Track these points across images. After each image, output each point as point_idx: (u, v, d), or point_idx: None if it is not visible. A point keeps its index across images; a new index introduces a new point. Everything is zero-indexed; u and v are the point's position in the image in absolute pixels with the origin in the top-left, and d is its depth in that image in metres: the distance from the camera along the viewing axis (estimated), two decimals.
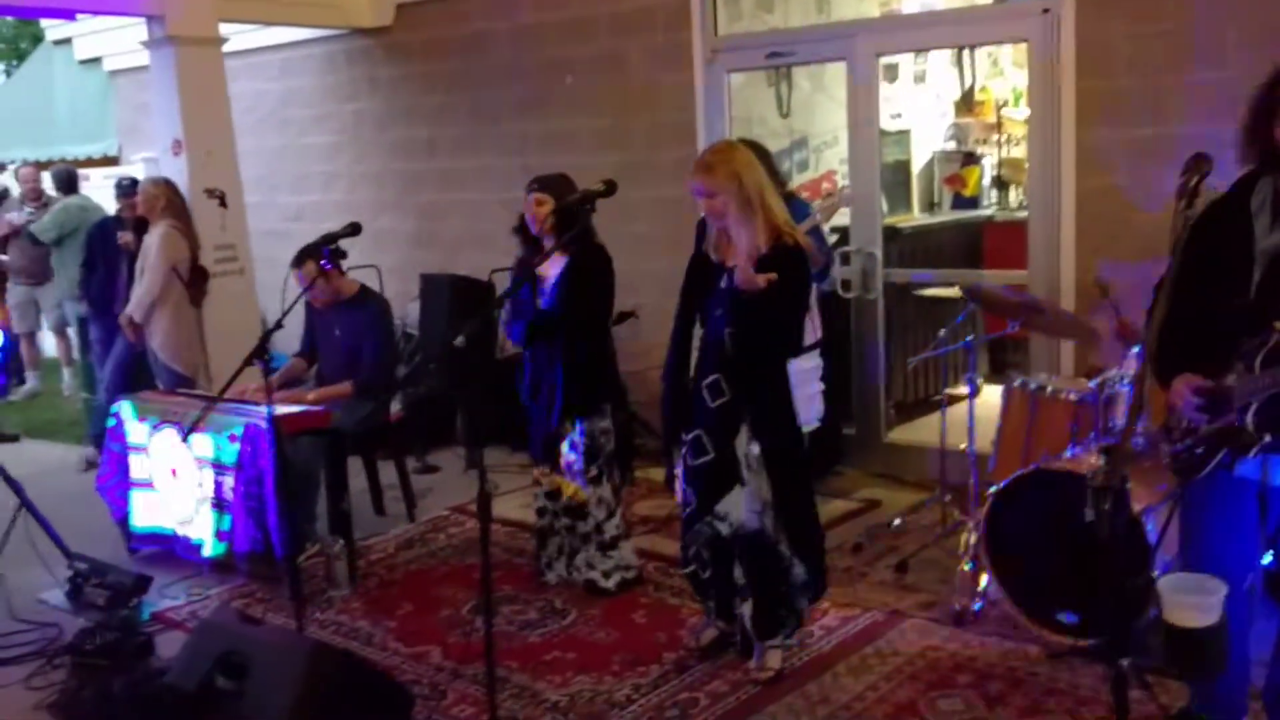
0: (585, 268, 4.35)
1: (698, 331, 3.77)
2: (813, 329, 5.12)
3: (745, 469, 3.64)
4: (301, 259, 5.17)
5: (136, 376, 6.61)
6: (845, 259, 5.98)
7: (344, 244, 4.52)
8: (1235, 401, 2.67)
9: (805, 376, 5.14)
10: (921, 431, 6.14)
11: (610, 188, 3.75)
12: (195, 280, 6.72)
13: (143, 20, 7.07)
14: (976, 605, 4.16)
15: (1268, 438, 2.64)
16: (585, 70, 6.98)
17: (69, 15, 7.67)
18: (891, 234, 6.37)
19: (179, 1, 6.88)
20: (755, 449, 3.63)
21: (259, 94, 8.86)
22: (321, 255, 4.42)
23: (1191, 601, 2.30)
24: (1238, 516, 2.80)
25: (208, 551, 4.90)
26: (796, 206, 4.95)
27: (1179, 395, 2.73)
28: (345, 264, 7.40)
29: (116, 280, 6.82)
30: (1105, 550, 2.54)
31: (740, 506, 3.66)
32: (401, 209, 8.16)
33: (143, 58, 7.65)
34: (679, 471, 3.86)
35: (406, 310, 7.46)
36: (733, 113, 6.59)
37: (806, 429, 5.15)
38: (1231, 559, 2.73)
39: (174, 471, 5.03)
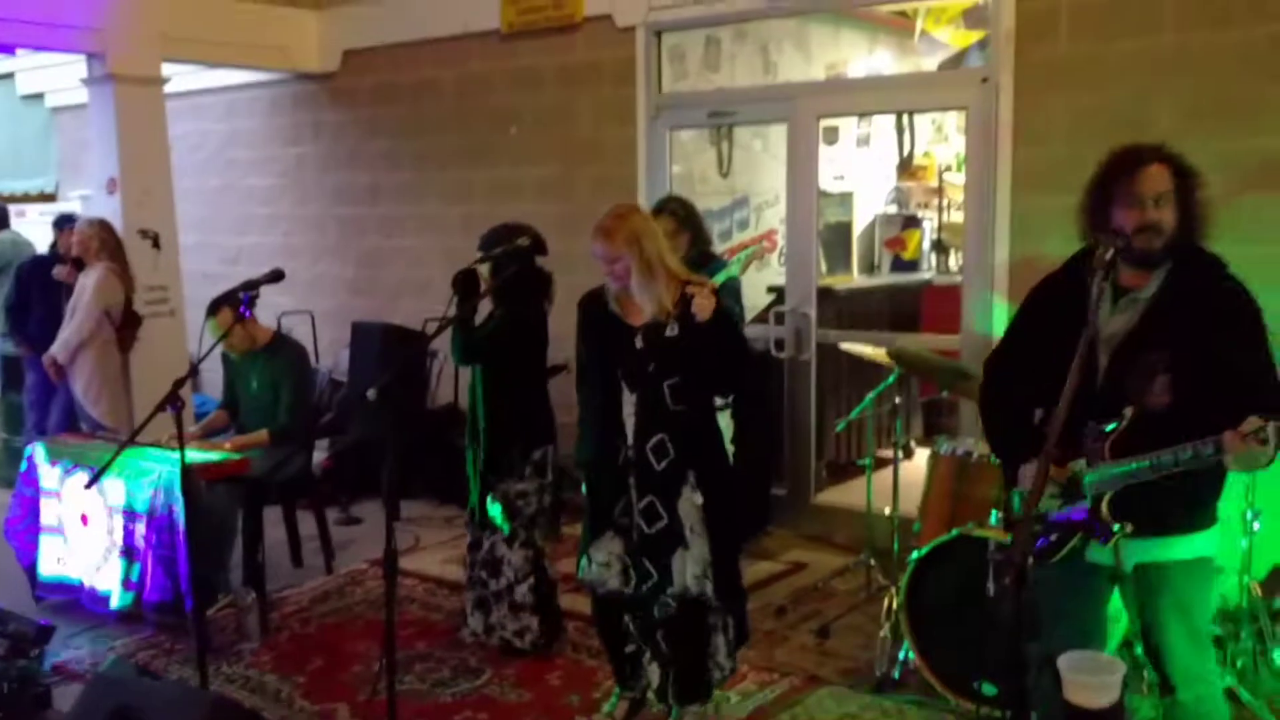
0: (512, 324, 4.28)
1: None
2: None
3: (688, 530, 3.57)
4: (215, 308, 5.06)
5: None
6: (779, 319, 5.98)
7: (278, 289, 4.43)
8: (1088, 492, 2.69)
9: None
10: (852, 493, 6.11)
11: (536, 244, 3.71)
12: (127, 325, 6.59)
13: (84, 57, 7.01)
14: (896, 672, 4.11)
15: (1129, 527, 2.64)
16: (531, 121, 6.99)
17: (9, 50, 7.56)
18: (827, 295, 6.39)
19: (121, 40, 6.83)
20: (699, 503, 3.55)
21: (202, 134, 8.80)
22: (240, 303, 4.32)
23: (1091, 682, 2.28)
24: (1091, 601, 2.83)
25: (115, 603, 4.74)
26: (717, 267, 4.95)
27: (1031, 483, 2.66)
28: (280, 310, 7.38)
29: (58, 318, 6.64)
30: (1006, 624, 2.52)
31: (686, 572, 3.58)
32: (340, 254, 8.09)
33: (85, 94, 7.56)
34: (599, 556, 3.73)
35: (338, 357, 7.36)
36: (675, 169, 6.61)
37: None
38: (1084, 642, 2.72)
39: (85, 518, 4.88)
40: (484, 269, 4.25)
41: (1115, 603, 2.94)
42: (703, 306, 3.42)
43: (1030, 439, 2.81)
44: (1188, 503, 2.72)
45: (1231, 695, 3.73)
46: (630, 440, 3.58)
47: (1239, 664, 3.89)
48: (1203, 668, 2.81)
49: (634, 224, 3.53)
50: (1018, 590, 2.27)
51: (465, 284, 4.21)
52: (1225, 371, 2.59)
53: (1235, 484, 3.95)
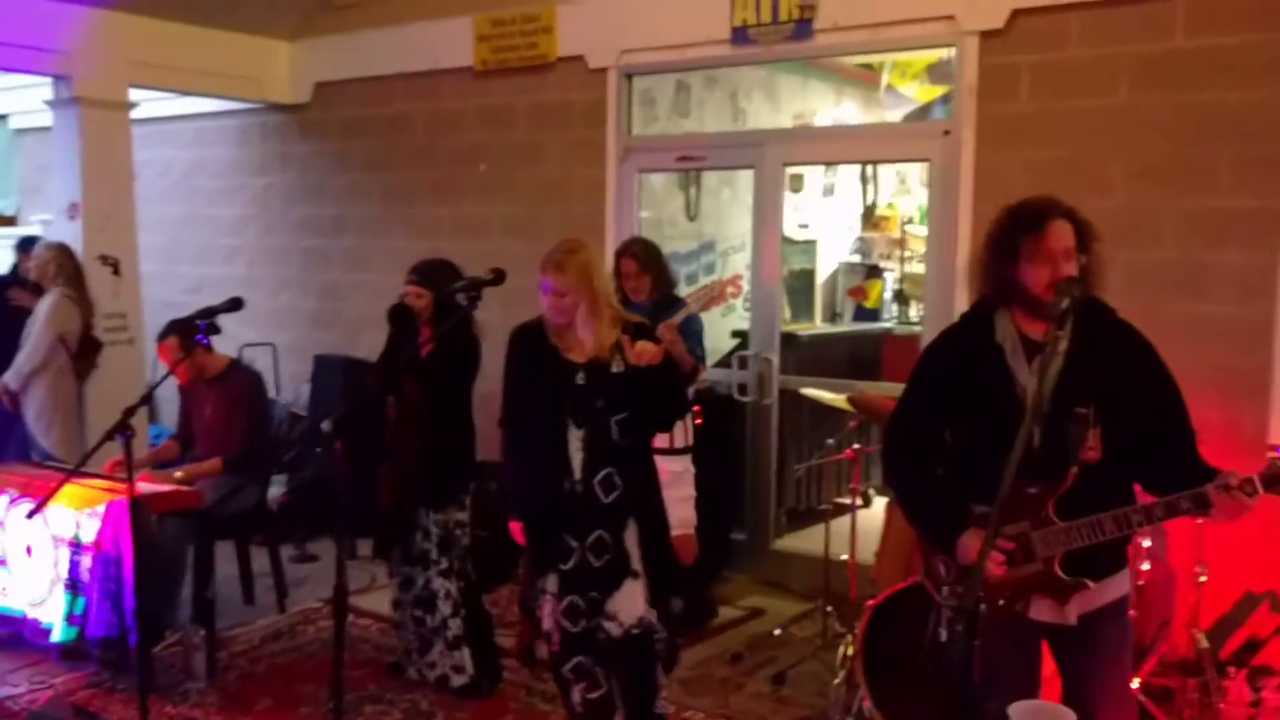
0: (449, 354, 4.27)
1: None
2: (684, 433, 5.12)
3: (635, 561, 3.55)
4: (165, 333, 5.01)
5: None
6: (743, 363, 6.00)
7: (239, 320, 4.39)
8: (1040, 553, 2.68)
9: (679, 479, 5.12)
10: (811, 540, 6.11)
11: (498, 277, 3.70)
12: (84, 352, 6.49)
13: (50, 79, 6.96)
14: None
15: (1090, 583, 2.66)
16: (500, 158, 7.00)
17: None
18: (791, 341, 6.42)
19: (88, 63, 6.80)
20: (642, 535, 3.55)
21: (168, 162, 8.75)
22: (195, 330, 4.28)
23: None
24: (1032, 660, 2.82)
25: (57, 636, 4.63)
26: (678, 309, 4.96)
27: (973, 553, 2.65)
28: (241, 341, 7.31)
29: (17, 344, 6.52)
30: (957, 672, 2.52)
31: (635, 602, 3.56)
32: (304, 287, 8.05)
33: (49, 117, 7.50)
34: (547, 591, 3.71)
35: (300, 391, 7.30)
36: (644, 212, 6.64)
37: (682, 532, 5.09)
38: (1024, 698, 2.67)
39: (29, 549, 4.79)
40: (422, 302, 4.28)
41: None
42: (644, 352, 3.41)
43: (953, 503, 2.79)
44: (1116, 545, 2.74)
45: None
46: (578, 475, 3.56)
47: (1186, 715, 3.91)
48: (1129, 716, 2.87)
49: (585, 259, 3.52)
50: (969, 638, 2.27)
51: (403, 319, 4.25)
52: (1150, 416, 2.67)
53: (1181, 538, 4.02)
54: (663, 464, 5.00)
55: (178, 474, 5.02)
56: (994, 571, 2.69)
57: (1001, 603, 2.74)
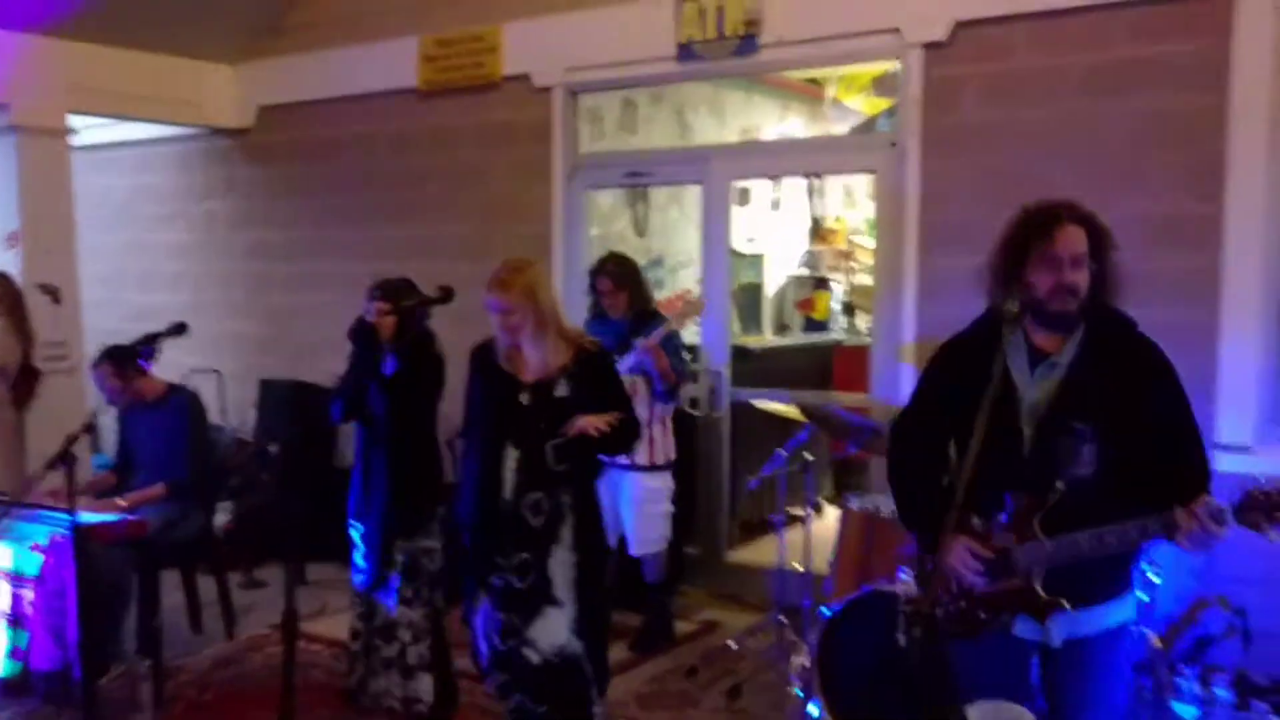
0: (415, 372, 4.22)
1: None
2: (665, 449, 5.12)
3: (559, 589, 3.52)
4: (99, 359, 4.93)
5: None
6: (695, 377, 6.00)
7: (184, 347, 4.30)
8: (1020, 568, 2.60)
9: (655, 495, 5.13)
10: (764, 552, 6.12)
11: (446, 295, 3.68)
12: (23, 381, 6.36)
13: None
14: None
15: (1065, 604, 2.58)
16: (447, 179, 6.97)
17: None
18: (741, 354, 6.44)
19: (26, 90, 6.69)
20: (573, 563, 3.51)
21: (109, 189, 8.63)
22: (130, 355, 4.21)
23: None
24: (1016, 677, 2.70)
25: (0, 671, 4.52)
26: (657, 324, 4.97)
27: (960, 561, 2.64)
28: (186, 368, 7.19)
29: None
30: (915, 675, 2.52)
31: (554, 630, 3.52)
32: (249, 312, 7.96)
33: None
34: (483, 625, 3.69)
35: (246, 416, 7.19)
36: (593, 230, 6.64)
37: (654, 549, 5.09)
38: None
39: None
40: (386, 321, 4.21)
41: None
42: (588, 426, 3.40)
43: (943, 506, 2.73)
44: (1111, 570, 2.66)
45: None
46: (509, 495, 3.54)
47: (1141, 716, 3.94)
48: None
49: (530, 277, 3.54)
50: (926, 642, 2.26)
51: (366, 337, 4.16)
52: (1152, 439, 2.56)
53: None
54: (641, 480, 5.03)
55: (121, 501, 4.92)
56: (972, 582, 2.64)
57: (983, 615, 2.67)
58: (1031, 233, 2.64)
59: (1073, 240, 2.60)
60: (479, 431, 3.65)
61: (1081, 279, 2.60)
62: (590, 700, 3.64)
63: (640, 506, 5.06)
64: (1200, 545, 2.39)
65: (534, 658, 3.52)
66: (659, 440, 5.10)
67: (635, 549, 5.10)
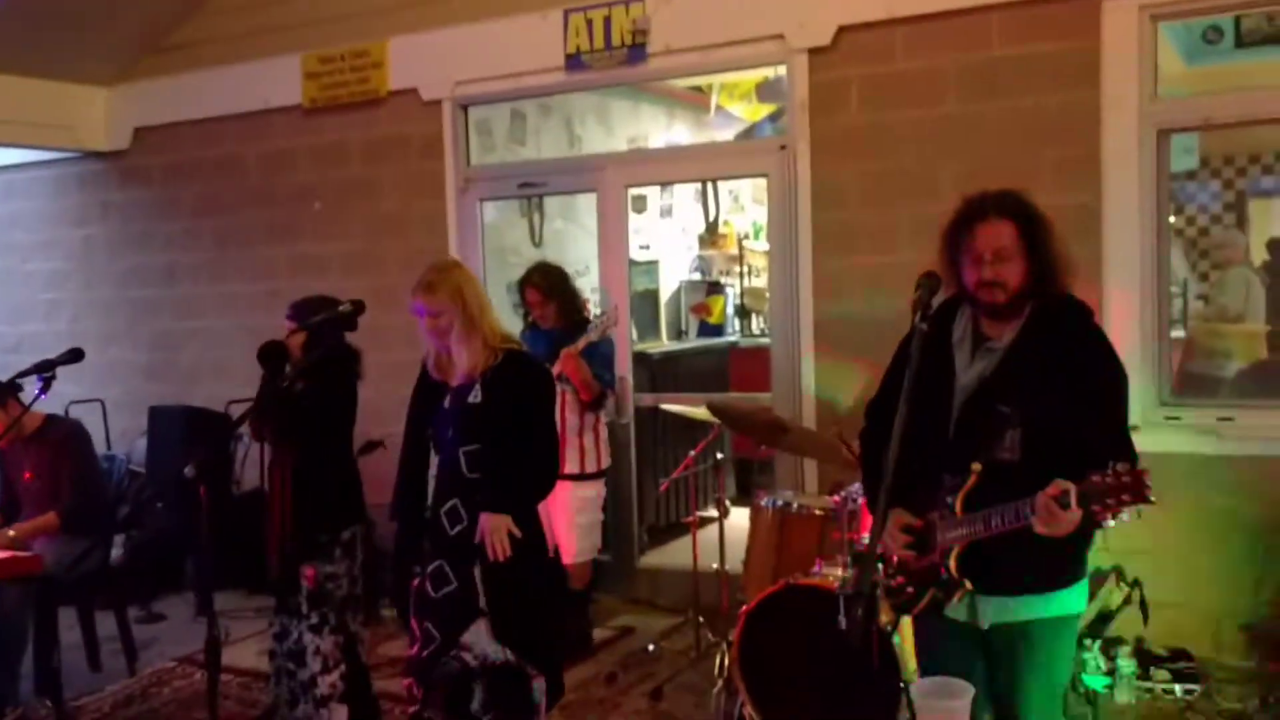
0: (320, 393, 4.13)
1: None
2: (596, 457, 5.11)
3: (483, 597, 3.48)
4: None
5: None
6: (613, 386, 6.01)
7: (63, 377, 4.13)
8: (937, 545, 2.63)
9: (587, 504, 5.12)
10: (674, 555, 6.17)
11: (357, 308, 3.62)
12: None
13: None
14: None
15: (968, 585, 2.59)
16: (336, 195, 6.87)
17: None
18: (641, 359, 6.48)
19: None
20: (494, 571, 3.45)
21: None
22: (9, 389, 4.06)
23: (941, 705, 2.33)
24: (954, 658, 2.68)
25: None
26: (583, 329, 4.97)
27: (888, 534, 2.68)
28: (67, 399, 6.94)
29: None
30: (857, 657, 2.55)
31: (480, 639, 3.49)
32: (132, 339, 7.70)
33: None
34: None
35: (133, 446, 6.96)
36: (486, 241, 6.61)
37: (584, 559, 5.05)
38: None
39: None
40: (296, 340, 4.11)
41: None
42: (495, 547, 3.37)
43: (895, 487, 2.73)
44: (1046, 560, 2.61)
45: None
46: (430, 501, 3.51)
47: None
48: None
49: (456, 278, 3.49)
50: (868, 622, 2.29)
51: (274, 357, 4.05)
52: (1077, 427, 2.55)
53: None
54: (572, 489, 4.99)
55: (10, 532, 4.69)
56: (901, 554, 2.68)
57: (910, 590, 2.69)
58: (958, 227, 2.69)
59: (994, 235, 2.62)
60: (407, 432, 3.61)
61: (1007, 271, 2.61)
62: (522, 705, 3.59)
63: (571, 516, 5.02)
64: (1050, 530, 2.37)
65: (472, 662, 3.46)
66: (589, 449, 5.08)
67: (566, 557, 5.05)
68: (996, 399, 2.61)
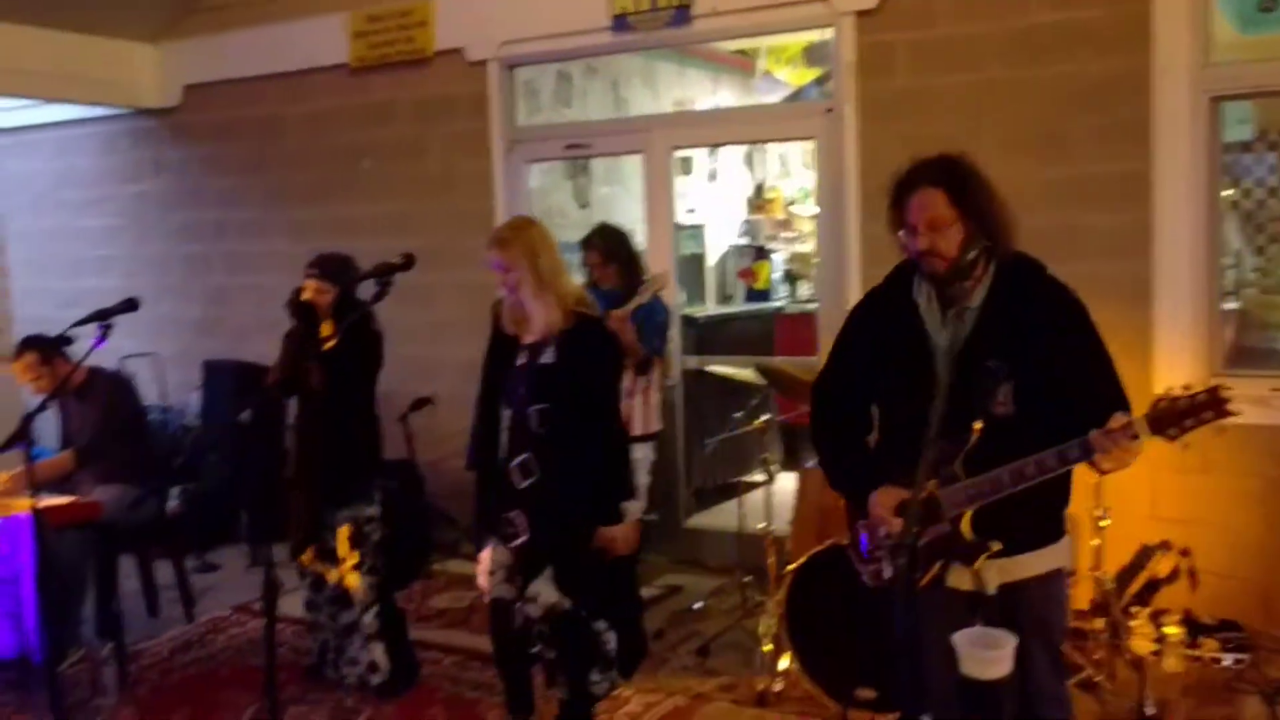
0: (354, 348, 4.21)
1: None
2: (645, 421, 5.14)
3: (550, 549, 3.55)
4: (21, 349, 4.84)
5: None
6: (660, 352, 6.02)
7: (118, 331, 4.18)
8: (946, 512, 2.61)
9: (635, 466, 5.15)
10: (720, 517, 6.20)
11: (409, 261, 3.66)
12: None
13: None
14: (778, 685, 4.17)
15: (996, 545, 2.59)
16: (383, 155, 6.91)
17: None
18: (688, 323, 6.50)
19: None
20: (563, 524, 3.54)
21: (31, 174, 8.39)
22: (57, 342, 4.17)
23: (985, 655, 2.35)
24: (954, 628, 2.59)
25: None
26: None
27: (886, 510, 2.67)
28: (121, 353, 7.05)
29: None
30: (900, 605, 2.57)
31: (546, 589, 3.56)
32: (185, 294, 7.81)
33: None
34: (492, 566, 3.71)
35: (188, 400, 7.08)
36: (532, 202, 6.63)
37: (630, 521, 5.09)
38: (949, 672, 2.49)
39: None
40: (326, 297, 4.21)
41: None
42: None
43: (870, 464, 2.79)
44: (1041, 515, 2.68)
45: (1090, 685, 3.94)
46: (503, 454, 3.58)
47: (1096, 656, 4.09)
48: (1061, 689, 2.82)
49: (530, 236, 3.54)
50: (909, 574, 2.31)
51: (305, 314, 4.18)
52: (1067, 373, 2.59)
53: (1082, 485, 4.19)
54: None
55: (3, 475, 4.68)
56: (894, 528, 2.65)
57: (912, 574, 2.60)
58: (892, 200, 2.69)
59: (924, 205, 2.61)
60: (482, 388, 3.69)
61: (941, 240, 2.60)
62: (600, 658, 3.67)
63: None
64: (1117, 463, 2.42)
65: (534, 613, 3.54)
66: (638, 412, 5.12)
67: None
68: (982, 356, 2.60)
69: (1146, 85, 4.79)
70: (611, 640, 3.68)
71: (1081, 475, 3.95)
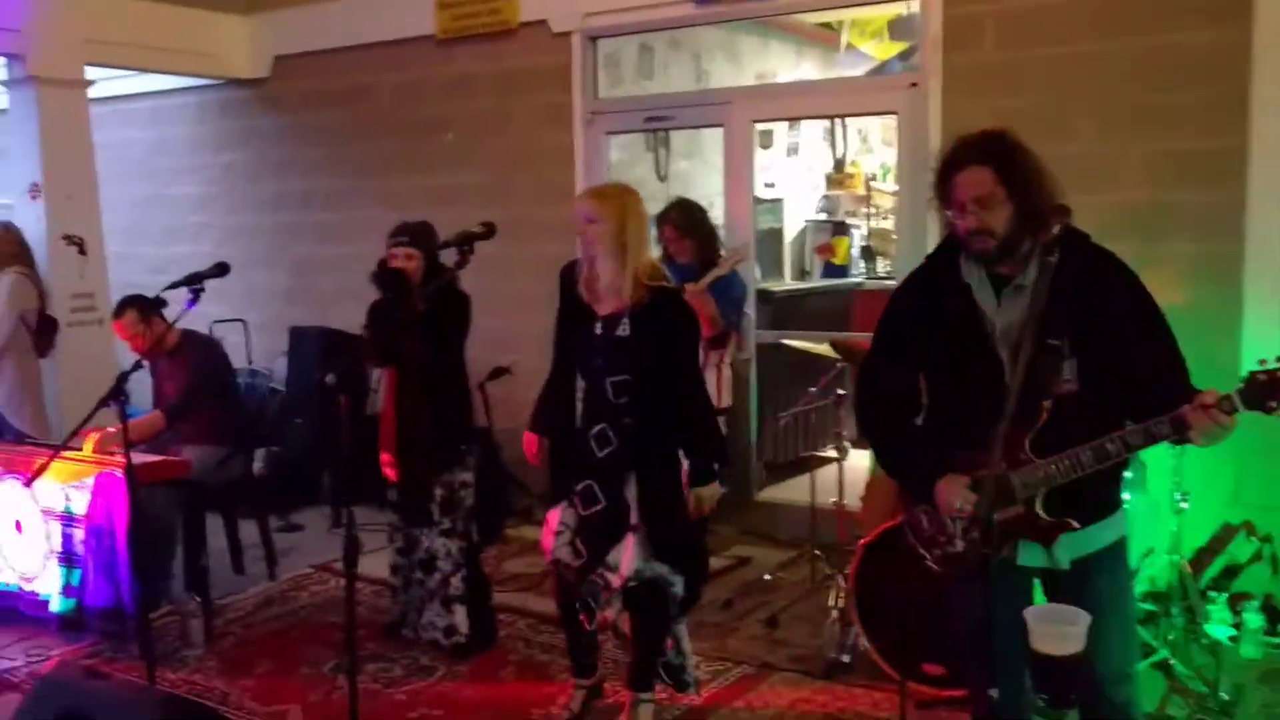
0: (442, 314, 4.28)
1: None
2: (716, 395, 5.15)
3: (636, 514, 3.60)
4: (120, 308, 5.00)
5: None
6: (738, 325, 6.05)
7: (208, 297, 4.31)
8: (1020, 493, 2.58)
9: None
10: (791, 491, 6.21)
11: (489, 230, 3.71)
12: (43, 330, 6.43)
13: (3, 59, 6.85)
14: (845, 657, 4.19)
15: (1073, 522, 2.57)
16: (466, 127, 7.00)
17: None
18: (765, 297, 6.49)
19: (43, 42, 6.69)
20: (644, 490, 3.58)
21: (127, 142, 8.64)
22: (155, 303, 4.32)
23: (1057, 630, 2.34)
24: (1020, 605, 2.58)
25: (55, 607, 4.63)
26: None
27: (953, 495, 2.65)
28: (211, 318, 7.25)
29: None
30: (973, 580, 2.58)
31: (631, 555, 3.61)
32: (273, 263, 8.00)
33: (2, 99, 7.40)
34: (554, 524, 3.78)
35: (274, 365, 7.26)
36: (612, 175, 6.66)
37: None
38: (1020, 651, 2.50)
39: (18, 525, 4.76)
40: (414, 264, 4.27)
41: None
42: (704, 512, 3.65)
43: (925, 448, 2.76)
44: (1104, 485, 2.65)
45: (1165, 667, 3.89)
46: (578, 423, 3.63)
47: (1170, 638, 4.04)
48: (1131, 667, 2.78)
49: (627, 201, 3.60)
50: (986, 547, 2.30)
51: (393, 282, 4.25)
52: (1130, 347, 2.56)
53: (1162, 466, 4.13)
54: None
55: (110, 430, 4.75)
56: (966, 512, 2.63)
57: (986, 550, 2.65)
58: (939, 178, 2.65)
59: (972, 183, 2.57)
60: (556, 354, 3.74)
61: (991, 218, 2.56)
62: (663, 625, 3.72)
63: None
64: (1210, 438, 2.37)
65: (614, 581, 3.60)
66: (711, 385, 5.12)
67: None
68: (1044, 334, 2.55)
69: (1247, 60, 4.66)
70: (679, 588, 3.69)
71: (1159, 456, 3.96)
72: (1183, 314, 4.31)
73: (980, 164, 2.57)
